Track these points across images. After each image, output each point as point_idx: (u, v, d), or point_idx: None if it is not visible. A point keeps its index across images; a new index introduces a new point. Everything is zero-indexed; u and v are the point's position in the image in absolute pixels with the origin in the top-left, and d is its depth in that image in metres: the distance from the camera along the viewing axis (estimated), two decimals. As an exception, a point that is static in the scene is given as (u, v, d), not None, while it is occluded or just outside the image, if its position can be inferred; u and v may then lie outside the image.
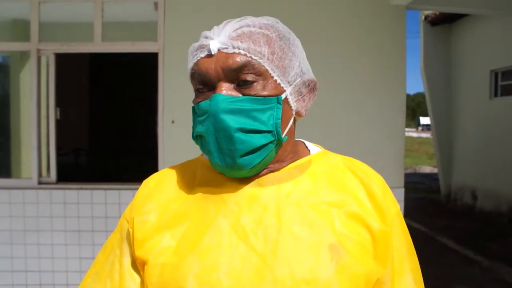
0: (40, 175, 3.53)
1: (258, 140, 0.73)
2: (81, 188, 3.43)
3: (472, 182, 8.76)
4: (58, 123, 3.65)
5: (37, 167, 3.50)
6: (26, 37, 3.57)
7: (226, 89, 0.73)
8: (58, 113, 3.68)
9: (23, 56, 4.12)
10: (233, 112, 0.71)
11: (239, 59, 0.72)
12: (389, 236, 0.77)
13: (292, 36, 0.80)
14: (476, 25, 8.45)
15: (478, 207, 8.58)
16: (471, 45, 8.73)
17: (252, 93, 0.73)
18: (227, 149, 0.72)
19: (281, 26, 0.79)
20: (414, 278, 0.82)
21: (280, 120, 0.75)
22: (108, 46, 3.55)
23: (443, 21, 9.11)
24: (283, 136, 0.76)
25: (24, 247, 3.41)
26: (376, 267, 0.75)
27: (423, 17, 9.20)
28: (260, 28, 0.75)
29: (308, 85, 0.81)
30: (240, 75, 0.73)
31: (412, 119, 59.45)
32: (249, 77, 0.73)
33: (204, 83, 0.76)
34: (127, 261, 0.82)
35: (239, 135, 0.71)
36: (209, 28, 0.81)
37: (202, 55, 0.75)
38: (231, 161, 0.73)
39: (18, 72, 4.29)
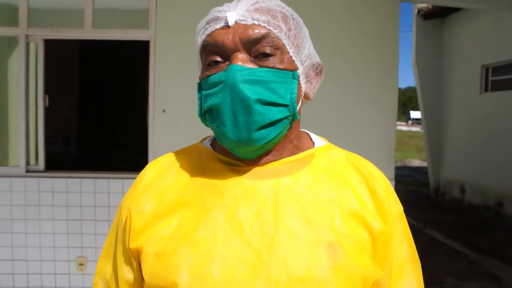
0: (28, 163, 3.48)
1: (275, 113, 0.71)
2: (70, 177, 3.39)
3: (460, 176, 8.84)
4: (47, 110, 3.59)
5: (24, 155, 3.45)
6: (14, 22, 3.50)
7: (242, 61, 0.71)
8: (47, 100, 3.62)
9: (11, 42, 4.03)
10: (251, 82, 0.69)
11: (258, 30, 0.71)
12: (389, 237, 0.75)
13: (301, 20, 0.80)
14: (468, 20, 8.47)
15: (466, 201, 8.67)
16: (462, 40, 8.75)
17: (270, 65, 0.72)
18: (243, 122, 0.70)
19: (289, 9, 0.79)
20: (417, 285, 0.80)
21: (296, 95, 0.74)
22: (98, 33, 3.49)
23: (435, 15, 9.12)
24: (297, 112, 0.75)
25: (11, 235, 3.37)
26: (373, 268, 0.73)
27: (416, 10, 9.20)
28: (275, 6, 0.75)
29: (316, 68, 0.81)
30: (258, 47, 0.71)
31: (403, 113, 59.76)
32: (268, 50, 0.72)
33: (218, 55, 0.73)
34: (119, 250, 0.81)
35: (258, 107, 0.69)
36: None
37: (217, 27, 0.73)
38: (246, 135, 0.70)
39: (6, 58, 4.20)
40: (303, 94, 0.78)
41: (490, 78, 8.30)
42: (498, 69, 8.12)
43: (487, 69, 8.35)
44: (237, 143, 0.72)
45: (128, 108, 7.16)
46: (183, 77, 3.27)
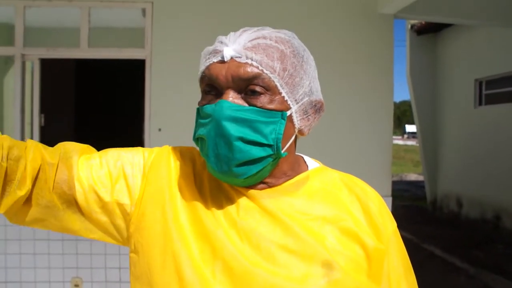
0: (23, 182, 3.44)
1: (257, 152, 0.73)
2: (65, 196, 3.36)
3: (457, 190, 8.84)
4: (43, 130, 3.59)
5: (20, 174, 3.42)
6: (10, 42, 3.51)
7: (232, 97, 0.74)
8: (43, 120, 3.61)
9: (7, 60, 4.05)
10: (236, 120, 0.72)
11: (250, 70, 0.73)
12: (384, 254, 0.78)
13: (307, 54, 0.81)
14: (461, 34, 8.57)
15: (463, 215, 8.65)
16: (456, 54, 8.85)
17: (258, 104, 0.74)
18: (224, 156, 0.73)
19: (297, 42, 0.80)
20: None
21: (281, 136, 0.75)
22: (94, 52, 3.51)
23: (428, 30, 9.22)
24: (282, 151, 0.76)
25: (4, 257, 3.32)
26: (370, 284, 0.75)
27: (409, 26, 9.30)
28: (276, 42, 0.76)
29: (315, 106, 0.81)
30: (249, 86, 0.74)
31: (398, 126, 60.06)
32: (258, 88, 0.74)
33: (212, 87, 0.76)
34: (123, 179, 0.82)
35: (239, 144, 0.72)
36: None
37: (215, 60, 0.76)
38: (227, 168, 0.73)
39: (1, 77, 4.21)
40: (296, 131, 0.80)
41: (484, 92, 8.37)
42: (492, 82, 8.19)
43: (480, 83, 8.42)
44: (219, 174, 0.75)
45: (124, 127, 7.16)
46: (179, 97, 3.28)
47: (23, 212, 0.80)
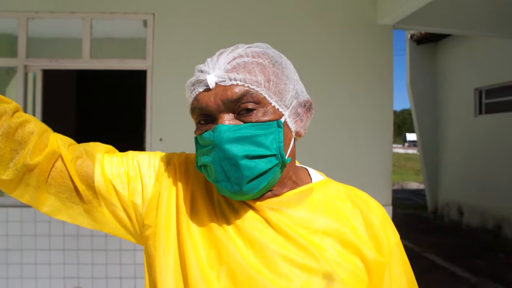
0: (24, 192, 3.45)
1: (263, 165, 0.75)
2: (67, 206, 3.36)
3: (458, 198, 8.83)
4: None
5: (21, 184, 3.42)
6: (13, 53, 3.54)
7: (227, 119, 0.75)
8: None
9: (10, 71, 4.08)
10: (237, 140, 0.73)
11: (237, 90, 0.74)
12: (384, 267, 0.79)
13: (284, 60, 0.82)
14: (460, 44, 8.62)
15: (464, 223, 8.64)
16: (455, 64, 8.88)
17: (253, 120, 0.75)
18: (234, 177, 0.74)
19: (272, 52, 0.81)
20: None
21: (282, 143, 0.77)
22: (96, 63, 3.54)
23: (428, 40, 9.27)
24: (286, 157, 0.78)
25: (6, 266, 3.32)
26: None
27: (409, 35, 9.35)
28: (253, 57, 0.77)
29: (304, 106, 0.83)
30: (240, 105, 0.75)
31: (398, 135, 60.06)
32: (249, 105, 0.75)
33: (205, 116, 0.78)
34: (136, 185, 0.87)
35: (245, 162, 0.73)
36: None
37: (201, 90, 0.77)
38: (238, 188, 0.75)
39: (3, 87, 4.24)
40: (294, 134, 0.82)
41: (484, 101, 8.39)
42: (491, 92, 8.22)
43: (480, 92, 8.45)
44: (232, 195, 0.77)
45: (125, 137, 7.18)
46: (180, 107, 3.30)
47: (50, 202, 0.85)
